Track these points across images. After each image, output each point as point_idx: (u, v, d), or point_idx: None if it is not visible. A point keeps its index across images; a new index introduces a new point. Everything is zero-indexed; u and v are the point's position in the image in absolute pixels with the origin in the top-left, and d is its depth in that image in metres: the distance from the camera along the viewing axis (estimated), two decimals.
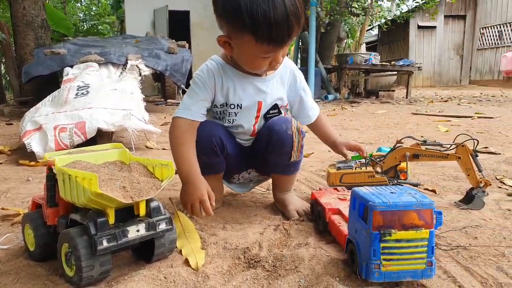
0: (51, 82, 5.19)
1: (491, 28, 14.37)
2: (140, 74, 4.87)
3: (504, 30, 13.73)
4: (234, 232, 1.24)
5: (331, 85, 8.23)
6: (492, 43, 14.37)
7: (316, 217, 1.27)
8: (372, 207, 0.87)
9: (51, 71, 4.80)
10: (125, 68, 4.79)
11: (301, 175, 1.93)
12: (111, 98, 2.86)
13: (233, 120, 1.35)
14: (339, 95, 7.81)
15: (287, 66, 1.39)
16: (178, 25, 10.48)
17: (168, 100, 7.82)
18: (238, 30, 1.11)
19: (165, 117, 5.01)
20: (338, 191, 1.38)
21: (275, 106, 1.37)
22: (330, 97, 7.67)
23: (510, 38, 13.51)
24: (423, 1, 8.96)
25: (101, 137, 2.66)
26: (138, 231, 0.95)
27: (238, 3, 1.06)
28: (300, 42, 8.79)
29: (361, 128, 3.66)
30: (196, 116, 1.28)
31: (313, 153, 2.46)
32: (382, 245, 0.87)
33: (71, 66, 4.27)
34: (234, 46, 1.18)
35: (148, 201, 0.99)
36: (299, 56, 9.04)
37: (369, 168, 1.44)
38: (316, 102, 5.88)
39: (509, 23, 13.47)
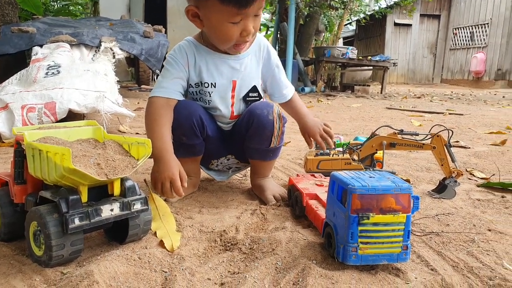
0: (18, 62, 4.97)
1: (463, 29, 14.78)
2: (114, 57, 4.75)
3: (476, 31, 14.14)
4: (210, 216, 1.22)
5: (308, 77, 8.26)
6: (464, 44, 14.78)
7: (293, 202, 1.27)
8: (351, 190, 0.87)
9: (18, 50, 4.58)
10: (99, 51, 4.65)
11: (278, 162, 1.92)
12: (84, 79, 2.76)
13: (209, 101, 1.32)
14: (315, 88, 7.85)
15: (261, 42, 1.37)
16: (155, 10, 10.25)
17: (142, 86, 7.66)
18: None
19: (138, 103, 4.91)
20: (315, 177, 1.38)
21: (254, 89, 1.36)
22: (307, 89, 7.70)
23: (480, 40, 13.94)
24: None
25: (72, 118, 2.56)
26: (112, 210, 0.92)
27: None
28: (278, 33, 8.77)
29: (336, 120, 3.70)
30: (172, 94, 1.26)
31: (290, 141, 2.46)
32: (360, 228, 0.87)
33: (41, 46, 4.09)
34: (202, 17, 1.18)
35: (123, 180, 0.96)
36: (277, 47, 9.03)
37: (346, 155, 1.44)
38: None
39: (480, 24, 13.88)
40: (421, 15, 15.43)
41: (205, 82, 1.30)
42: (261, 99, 1.39)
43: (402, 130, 1.45)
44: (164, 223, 1.13)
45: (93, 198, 0.91)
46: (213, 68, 1.30)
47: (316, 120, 1.43)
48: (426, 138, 1.42)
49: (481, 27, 13.85)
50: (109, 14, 8.88)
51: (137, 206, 0.97)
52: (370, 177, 0.94)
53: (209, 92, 1.31)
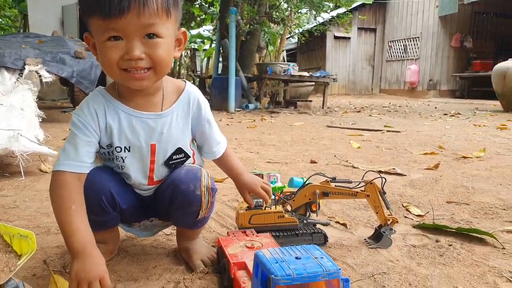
0: None
1: (397, 41, 15.62)
2: (41, 81, 4.40)
3: (408, 44, 14.99)
4: None
5: (252, 94, 8.25)
6: (398, 56, 15.61)
7: (222, 269, 1.15)
8: (274, 281, 0.77)
9: None
10: (22, 74, 4.29)
11: None
12: None
13: (122, 166, 1.14)
14: (259, 105, 7.84)
15: (191, 95, 1.17)
16: None
17: (77, 107, 7.23)
18: (84, 17, 0.97)
19: (69, 129, 4.57)
20: (247, 235, 1.27)
21: (179, 150, 1.18)
22: (251, 106, 7.67)
23: (413, 52, 14.78)
24: (338, 16, 9.39)
25: None
26: None
27: None
28: (220, 50, 8.70)
29: (278, 144, 3.65)
30: (82, 168, 1.05)
31: (227, 178, 2.34)
32: None
33: None
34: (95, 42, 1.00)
35: (2, 284, 0.79)
36: (220, 62, 8.95)
37: (279, 208, 1.35)
38: (237, 111, 5.75)
39: (412, 38, 14.74)
40: (359, 28, 16.14)
41: (117, 147, 1.10)
42: (188, 159, 1.21)
43: (335, 178, 1.39)
44: None
45: None
46: (128, 129, 1.09)
47: (253, 176, 1.29)
48: (359, 186, 1.36)
49: (413, 40, 14.72)
50: (40, 29, 8.34)
51: None
52: (296, 258, 0.84)
53: (121, 157, 1.12)
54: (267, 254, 0.86)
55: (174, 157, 1.17)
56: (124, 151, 1.11)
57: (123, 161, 1.13)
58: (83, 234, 0.98)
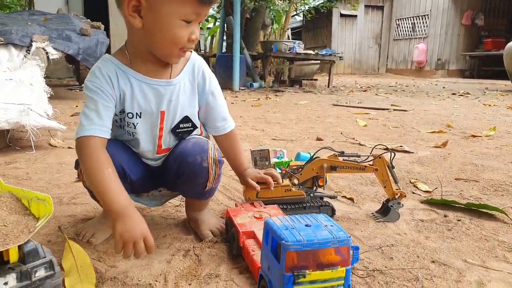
0: None
1: (405, 19, 15.31)
2: (48, 58, 4.38)
3: (417, 22, 14.70)
4: (137, 261, 1.09)
5: (257, 72, 8.18)
6: (406, 34, 15.33)
7: (230, 238, 1.17)
8: (285, 247, 0.78)
9: None
10: (29, 51, 4.28)
11: None
12: (5, 91, 2.49)
13: (132, 133, 1.14)
14: (264, 83, 7.79)
15: (196, 64, 1.17)
16: (95, 3, 9.70)
17: (83, 84, 7.22)
18: None
19: (77, 106, 4.59)
20: (255, 206, 1.29)
21: (187, 119, 1.18)
22: (255, 85, 7.62)
23: (421, 30, 14.51)
24: None
25: None
26: (6, 284, 0.77)
27: None
28: (225, 27, 8.59)
29: (283, 122, 3.64)
30: (107, 133, 1.05)
31: None
32: (295, 287, 0.79)
33: None
34: (147, 11, 0.97)
35: (21, 244, 0.81)
36: (224, 40, 8.85)
37: (286, 182, 1.36)
38: (242, 90, 5.71)
39: (421, 16, 14.44)
40: (366, 6, 15.81)
41: (129, 112, 1.11)
42: (195, 129, 1.22)
43: (343, 152, 1.39)
44: (82, 277, 0.99)
45: None
46: (139, 95, 1.10)
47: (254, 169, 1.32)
48: (367, 160, 1.36)
49: (422, 18, 14.42)
50: (45, 7, 8.26)
51: (40, 273, 0.82)
52: (306, 225, 0.85)
53: (133, 123, 1.13)
54: (277, 222, 0.87)
55: (181, 125, 1.18)
56: (136, 117, 1.12)
57: (135, 127, 1.13)
58: (123, 196, 0.99)
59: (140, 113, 1.12)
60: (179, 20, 0.98)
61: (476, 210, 1.47)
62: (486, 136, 2.95)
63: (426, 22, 14.20)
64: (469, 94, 6.92)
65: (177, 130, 1.18)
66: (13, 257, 0.80)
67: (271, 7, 8.38)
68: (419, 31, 14.65)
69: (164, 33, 1.00)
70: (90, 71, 1.10)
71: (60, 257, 1.06)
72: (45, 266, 0.83)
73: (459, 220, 1.38)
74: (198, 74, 1.18)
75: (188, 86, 1.17)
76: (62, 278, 0.90)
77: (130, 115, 1.12)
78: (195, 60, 1.18)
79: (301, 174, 1.37)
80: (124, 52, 1.11)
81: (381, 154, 1.34)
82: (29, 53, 4.17)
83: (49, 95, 2.82)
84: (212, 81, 1.22)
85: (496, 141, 2.77)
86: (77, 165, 1.16)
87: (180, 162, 1.15)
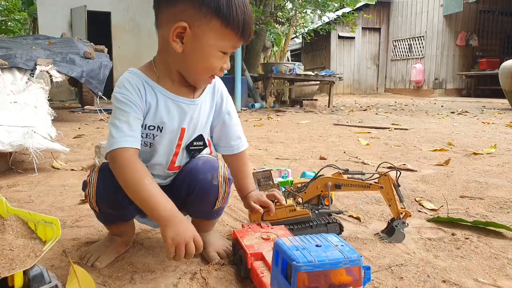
0: None
1: (402, 41, 15.56)
2: (51, 81, 4.43)
3: (413, 43, 14.93)
4: (143, 285, 1.07)
5: (258, 93, 8.25)
6: (403, 55, 15.55)
7: (238, 261, 1.15)
8: (296, 268, 0.77)
9: None
10: (33, 74, 4.32)
11: None
12: (9, 113, 2.50)
13: (150, 143, 1.15)
14: (265, 104, 7.85)
15: (216, 84, 1.23)
16: (99, 27, 9.87)
17: (86, 107, 7.27)
18: (205, 13, 1.00)
19: (79, 128, 4.61)
20: (262, 227, 1.27)
21: (200, 138, 1.20)
22: (257, 105, 7.68)
23: (418, 51, 14.71)
24: (343, 15, 9.37)
25: None
26: None
27: None
28: None
29: (286, 141, 3.65)
30: (138, 144, 1.07)
31: None
32: None
33: None
34: (189, 38, 1.02)
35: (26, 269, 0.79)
36: None
37: (289, 202, 1.34)
38: (243, 110, 5.76)
39: (417, 37, 14.67)
40: (363, 28, 16.09)
41: (150, 125, 1.12)
42: (206, 148, 1.24)
43: (347, 170, 1.38)
44: None
45: None
46: (164, 110, 1.12)
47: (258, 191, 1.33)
48: (372, 178, 1.36)
49: (418, 40, 14.65)
50: (49, 31, 8.42)
51: None
52: (317, 245, 0.84)
53: (153, 135, 1.14)
54: (287, 242, 0.86)
55: (195, 143, 1.20)
56: (157, 130, 1.14)
57: (153, 139, 1.14)
58: (168, 202, 1.02)
59: (162, 127, 1.14)
60: (218, 51, 1.05)
61: (483, 228, 1.45)
62: (487, 153, 2.95)
63: (422, 43, 14.42)
64: (468, 112, 6.96)
65: (190, 148, 1.20)
66: (18, 282, 0.79)
67: (271, 30, 8.53)
68: (415, 51, 14.86)
69: (203, 61, 1.07)
70: (117, 83, 1.11)
71: (64, 282, 1.04)
72: None
73: (467, 238, 1.37)
74: (217, 94, 1.23)
75: (208, 105, 1.21)
76: None
77: (151, 127, 1.13)
78: (215, 80, 1.22)
79: (305, 192, 1.37)
80: (152, 69, 1.14)
81: (386, 172, 1.34)
82: (33, 76, 4.22)
83: (52, 117, 2.83)
84: (229, 101, 1.27)
85: (497, 159, 2.77)
86: (84, 186, 1.16)
87: (190, 179, 1.16)
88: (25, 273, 0.79)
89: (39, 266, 0.81)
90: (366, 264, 0.82)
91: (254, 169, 1.41)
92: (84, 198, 1.67)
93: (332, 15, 9.95)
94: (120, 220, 1.21)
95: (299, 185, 1.41)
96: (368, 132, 4.30)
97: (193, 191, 1.16)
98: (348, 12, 9.94)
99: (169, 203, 1.02)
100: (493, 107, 8.25)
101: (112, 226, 1.24)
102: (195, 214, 1.27)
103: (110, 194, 1.11)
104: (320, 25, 9.76)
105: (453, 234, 1.40)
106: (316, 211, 1.37)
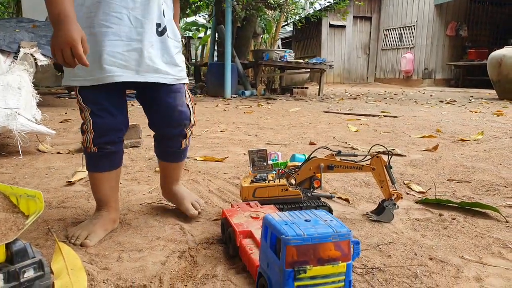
0: None
1: (393, 30, 15.54)
2: (36, 65, 4.33)
3: (404, 33, 14.94)
4: (131, 263, 1.06)
5: (248, 81, 8.20)
6: (394, 44, 15.55)
7: (227, 239, 1.15)
8: (285, 241, 0.76)
9: None
10: (17, 57, 4.22)
11: (213, 184, 1.79)
12: None
13: None
14: (255, 91, 7.80)
15: None
16: None
17: (72, 92, 7.13)
18: None
19: (66, 113, 4.53)
20: (251, 206, 1.27)
21: None
22: (247, 93, 7.62)
23: (408, 41, 14.74)
24: (335, 1, 9.31)
25: None
26: None
27: None
28: (216, 35, 8.62)
29: (276, 128, 3.63)
30: None
31: (228, 157, 2.33)
32: (296, 284, 0.77)
33: None
34: None
35: (9, 243, 0.77)
36: (215, 49, 8.87)
37: (283, 181, 1.34)
38: (234, 98, 5.76)
39: (407, 26, 14.68)
40: (354, 17, 16.02)
41: None
42: None
43: (340, 152, 1.38)
44: (72, 280, 0.96)
45: None
46: None
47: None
48: (364, 160, 1.35)
49: (409, 29, 14.65)
50: (34, 14, 8.15)
51: (29, 274, 0.79)
52: (306, 220, 0.84)
53: None
54: (276, 217, 0.85)
55: None
56: None
57: None
58: (61, 6, 1.00)
59: None
60: None
61: (470, 209, 1.47)
62: (475, 140, 2.98)
63: (412, 33, 14.42)
64: (456, 101, 7.01)
65: None
66: (0, 256, 0.77)
67: (262, 16, 8.44)
68: (406, 41, 14.87)
69: None
70: None
71: (50, 260, 1.03)
72: (34, 266, 0.80)
73: (454, 219, 1.38)
74: None
75: None
76: (52, 281, 0.86)
77: None
78: None
79: (298, 174, 1.36)
80: None
81: (378, 154, 1.34)
82: (16, 59, 4.12)
83: (37, 101, 2.77)
84: None
85: (484, 145, 2.80)
86: (82, 132, 1.22)
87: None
88: (7, 247, 0.77)
89: (22, 241, 0.79)
90: (355, 239, 0.82)
91: (249, 149, 1.40)
92: (70, 181, 1.66)
93: (323, 2, 9.88)
94: (114, 164, 1.27)
95: (292, 168, 1.40)
96: (358, 120, 4.30)
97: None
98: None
99: (64, 9, 0.99)
100: (480, 97, 8.33)
101: (109, 175, 1.26)
102: (164, 150, 1.36)
103: (112, 134, 1.21)
104: (312, 13, 9.68)
105: (440, 215, 1.41)
106: (309, 194, 1.37)
